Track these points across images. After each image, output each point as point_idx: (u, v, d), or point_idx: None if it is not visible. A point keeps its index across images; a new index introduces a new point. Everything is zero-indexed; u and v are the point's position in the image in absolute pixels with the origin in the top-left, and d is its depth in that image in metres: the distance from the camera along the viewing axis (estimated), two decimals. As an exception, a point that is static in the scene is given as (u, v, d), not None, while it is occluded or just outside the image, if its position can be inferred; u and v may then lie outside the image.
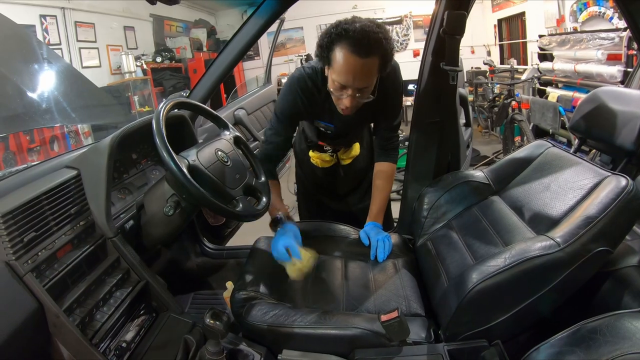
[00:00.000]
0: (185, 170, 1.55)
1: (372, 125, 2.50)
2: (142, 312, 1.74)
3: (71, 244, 1.60)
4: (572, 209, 1.58)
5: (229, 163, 1.79)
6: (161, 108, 1.66)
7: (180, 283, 2.39)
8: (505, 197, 1.95)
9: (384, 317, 1.49)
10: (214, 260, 2.64)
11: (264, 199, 1.90)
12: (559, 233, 1.47)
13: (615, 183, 1.53)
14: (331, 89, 1.83)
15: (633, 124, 1.74)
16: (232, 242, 3.05)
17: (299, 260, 1.83)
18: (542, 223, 1.64)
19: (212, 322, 1.41)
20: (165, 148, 1.54)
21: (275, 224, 2.02)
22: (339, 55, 1.70)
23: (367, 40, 1.67)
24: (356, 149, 2.55)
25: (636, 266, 1.60)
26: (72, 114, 2.94)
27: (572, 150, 1.99)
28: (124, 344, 1.60)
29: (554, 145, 1.97)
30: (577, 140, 2.07)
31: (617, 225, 1.48)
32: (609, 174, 1.60)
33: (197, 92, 2.33)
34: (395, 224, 2.67)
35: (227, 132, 1.98)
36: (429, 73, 2.25)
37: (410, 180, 2.47)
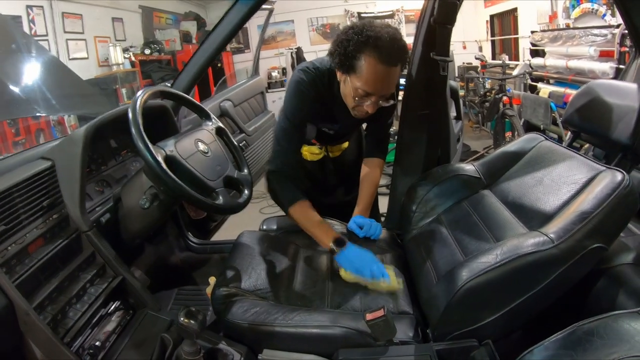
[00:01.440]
0: (161, 161, 1.48)
1: None
2: (118, 309, 1.67)
3: (43, 238, 1.53)
4: (566, 204, 1.52)
5: (209, 154, 1.72)
6: (138, 96, 1.60)
7: (164, 278, 2.33)
8: (496, 192, 1.89)
9: (369, 316, 1.42)
10: (198, 255, 2.57)
11: (246, 192, 1.84)
12: (552, 229, 1.41)
13: (611, 178, 1.48)
14: (351, 96, 1.78)
15: (629, 118, 1.70)
16: (218, 236, 2.98)
17: (386, 281, 1.74)
18: (535, 218, 1.59)
19: (186, 321, 1.34)
20: (141, 138, 1.48)
21: (339, 244, 1.84)
22: (367, 63, 1.66)
23: (395, 49, 1.66)
24: (345, 142, 2.51)
25: (631, 264, 1.56)
26: (56, 105, 2.88)
27: (565, 145, 1.93)
28: (98, 343, 1.53)
29: (546, 139, 1.92)
30: (569, 134, 2.02)
31: (612, 221, 1.43)
32: (604, 168, 1.55)
33: (180, 82, 2.25)
34: (382, 219, 2.62)
35: (209, 123, 1.92)
36: (419, 63, 2.20)
37: (399, 174, 2.42)
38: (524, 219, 1.64)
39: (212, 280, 2.10)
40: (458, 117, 3.53)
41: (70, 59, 6.53)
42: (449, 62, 2.09)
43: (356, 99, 1.77)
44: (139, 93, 1.63)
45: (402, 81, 2.15)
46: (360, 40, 1.65)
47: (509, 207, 1.75)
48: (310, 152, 2.48)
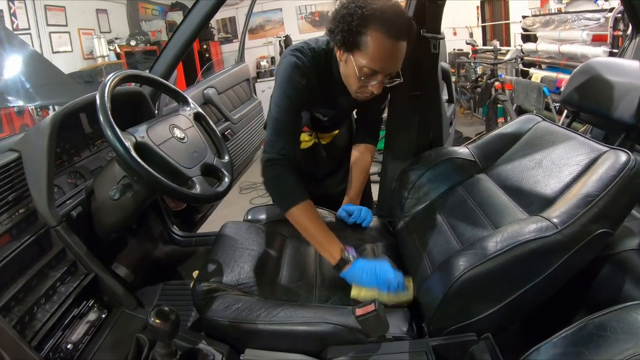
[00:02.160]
0: (130, 148, 1.37)
1: None
2: (91, 308, 1.57)
3: (9, 234, 1.42)
4: (568, 186, 1.43)
5: (185, 140, 1.62)
6: (108, 80, 1.49)
7: (148, 273, 2.26)
8: (492, 175, 1.80)
9: (358, 311, 1.31)
10: (183, 248, 2.47)
11: (226, 179, 1.72)
12: (555, 213, 1.31)
13: (615, 158, 1.38)
14: (355, 77, 1.64)
15: (632, 96, 1.62)
16: (206, 228, 2.88)
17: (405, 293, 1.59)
18: (535, 202, 1.49)
19: (157, 322, 1.23)
20: (108, 123, 1.38)
21: (343, 264, 1.63)
22: (373, 39, 1.54)
23: (402, 22, 1.56)
24: None
25: (636, 249, 1.45)
26: (32, 95, 2.79)
27: (564, 125, 1.86)
28: (69, 346, 1.43)
29: (544, 120, 1.84)
30: (562, 118, 1.94)
31: (618, 204, 1.33)
32: (607, 148, 1.46)
33: (158, 67, 2.15)
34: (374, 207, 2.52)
35: (187, 108, 1.81)
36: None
37: (389, 159, 2.32)
38: (523, 204, 1.54)
39: (196, 274, 2.00)
40: (450, 100, 3.47)
41: (54, 53, 6.45)
42: (440, 39, 2.02)
43: (361, 78, 1.64)
44: (109, 76, 1.52)
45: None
46: (365, 14, 1.52)
47: (506, 192, 1.66)
48: (301, 139, 2.34)
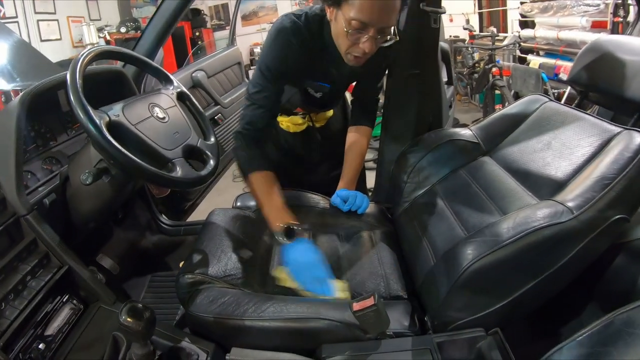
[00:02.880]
0: (103, 126, 1.25)
1: None
2: (66, 304, 1.44)
3: (-27, 224, 1.30)
4: (581, 169, 1.34)
5: (166, 120, 1.49)
6: (81, 55, 1.37)
7: (135, 265, 2.17)
8: (497, 158, 1.69)
9: (356, 306, 1.19)
10: (171, 237, 2.38)
11: (212, 162, 1.59)
12: (569, 197, 1.21)
13: (630, 139, 1.30)
14: (344, 34, 1.52)
15: (646, 75, 1.51)
16: (197, 217, 2.75)
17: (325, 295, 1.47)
18: (545, 186, 1.39)
19: (128, 320, 1.11)
20: (78, 100, 1.25)
21: (288, 235, 1.60)
22: None
23: None
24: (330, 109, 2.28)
25: None
26: (10, 76, 2.70)
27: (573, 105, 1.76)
28: (41, 345, 1.30)
29: (550, 100, 1.73)
30: (562, 99, 1.85)
31: (635, 188, 1.23)
32: (620, 129, 1.37)
33: (141, 46, 2.03)
34: (370, 194, 2.43)
35: (169, 87, 1.68)
36: (407, 16, 1.95)
37: (387, 141, 2.19)
38: (532, 188, 1.44)
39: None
40: (449, 82, 3.36)
41: (42, 41, 6.47)
42: (441, 13, 1.90)
43: (350, 34, 1.51)
44: (83, 52, 1.40)
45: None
46: None
47: (513, 175, 1.56)
48: (293, 122, 2.24)
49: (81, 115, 1.23)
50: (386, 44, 1.55)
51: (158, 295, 2.12)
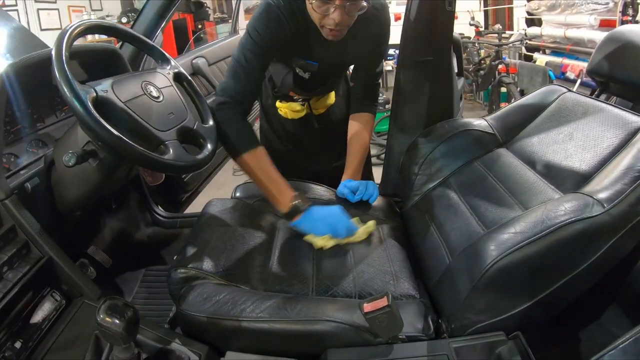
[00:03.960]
0: (88, 102, 1.13)
1: (349, 71, 2.18)
2: (47, 298, 1.33)
3: (-53, 208, 1.20)
4: (606, 161, 1.28)
5: (160, 99, 1.37)
6: (69, 27, 1.26)
7: (128, 258, 2.08)
8: (515, 150, 1.61)
9: (367, 307, 1.08)
10: (166, 230, 2.28)
11: (209, 146, 1.48)
12: (599, 190, 1.12)
13: None
14: (314, 5, 1.49)
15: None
16: (194, 210, 2.65)
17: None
18: (569, 179, 1.32)
19: (107, 320, 1.00)
20: (63, 73, 1.14)
21: (295, 212, 1.59)
22: None
23: None
24: (331, 97, 2.19)
25: None
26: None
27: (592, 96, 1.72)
28: (17, 344, 1.19)
29: (569, 90, 1.65)
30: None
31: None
32: None
33: (139, 24, 1.96)
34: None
35: (166, 66, 1.57)
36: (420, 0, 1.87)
37: (396, 131, 2.08)
38: (555, 181, 1.36)
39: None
40: (460, 73, 3.28)
41: (42, 30, 6.37)
42: (456, -5, 1.81)
43: (317, 5, 1.48)
44: (72, 24, 1.29)
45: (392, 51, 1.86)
46: None
47: (533, 167, 1.47)
48: (291, 109, 2.17)
49: (64, 88, 1.12)
50: (359, 12, 1.53)
51: (152, 290, 2.03)
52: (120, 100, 1.24)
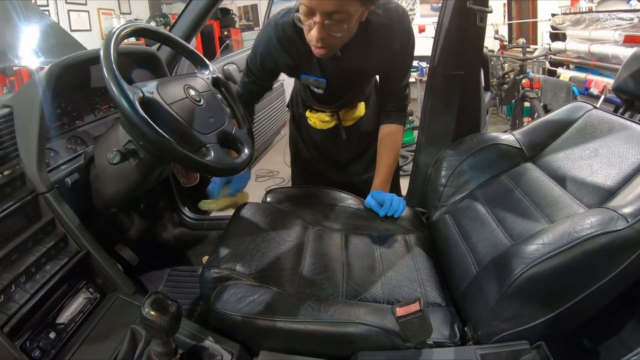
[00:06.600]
0: (136, 101, 1.17)
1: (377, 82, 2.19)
2: (82, 291, 1.38)
3: (-11, 198, 1.24)
4: (631, 177, 1.30)
5: (202, 103, 1.41)
6: (116, 29, 1.30)
7: (154, 257, 2.11)
8: (541, 165, 1.63)
9: (400, 311, 1.10)
10: (193, 231, 2.33)
11: (246, 151, 1.51)
12: (622, 204, 1.15)
13: None
14: (301, 18, 1.50)
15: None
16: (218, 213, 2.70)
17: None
18: (593, 194, 1.34)
19: (152, 314, 1.03)
20: (112, 73, 1.17)
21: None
22: None
23: None
24: (361, 108, 2.18)
25: None
26: (37, 54, 2.92)
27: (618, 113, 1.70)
28: (51, 334, 1.24)
29: (594, 107, 1.67)
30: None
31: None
32: None
33: (177, 29, 2.00)
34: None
35: (205, 72, 1.61)
36: (452, 14, 1.89)
37: (425, 143, 2.11)
38: (579, 196, 1.38)
39: (206, 260, 1.83)
40: (486, 88, 3.28)
41: (72, 31, 6.50)
42: (488, 12, 1.83)
43: (304, 23, 1.50)
44: (119, 26, 1.33)
45: (415, 63, 1.87)
46: None
47: (558, 182, 1.49)
48: (320, 119, 2.18)
49: (114, 88, 1.16)
50: (339, 34, 1.50)
51: (176, 290, 2.05)
52: (165, 102, 1.28)
